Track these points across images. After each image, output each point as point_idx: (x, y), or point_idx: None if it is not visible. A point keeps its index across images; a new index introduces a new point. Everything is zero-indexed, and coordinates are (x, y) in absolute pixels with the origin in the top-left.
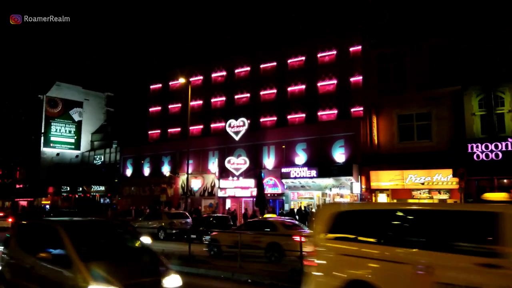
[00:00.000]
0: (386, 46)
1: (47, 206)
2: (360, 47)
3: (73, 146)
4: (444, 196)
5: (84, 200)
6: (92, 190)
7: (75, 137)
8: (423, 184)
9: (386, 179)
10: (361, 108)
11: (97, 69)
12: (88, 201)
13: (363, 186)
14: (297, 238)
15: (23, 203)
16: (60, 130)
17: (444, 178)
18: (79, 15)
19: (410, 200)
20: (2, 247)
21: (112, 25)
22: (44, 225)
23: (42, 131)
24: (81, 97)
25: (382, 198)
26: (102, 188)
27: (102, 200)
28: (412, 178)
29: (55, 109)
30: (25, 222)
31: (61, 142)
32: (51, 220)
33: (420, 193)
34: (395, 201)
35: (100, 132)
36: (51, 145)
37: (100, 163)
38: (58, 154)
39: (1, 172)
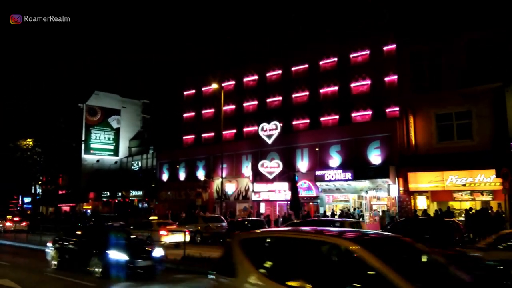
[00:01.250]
0: (420, 43)
1: (89, 211)
2: (394, 46)
3: (112, 153)
4: (487, 198)
5: (123, 205)
6: (131, 195)
7: (114, 144)
8: (464, 185)
9: (425, 181)
10: (397, 108)
11: (133, 78)
12: (127, 205)
13: (401, 188)
14: (161, 232)
15: (66, 208)
16: (99, 137)
17: (487, 178)
18: (82, 16)
19: (452, 203)
20: (213, 276)
21: (148, 30)
22: (314, 241)
23: (83, 138)
24: (118, 105)
25: (422, 200)
26: (140, 193)
27: (140, 205)
28: (453, 179)
29: (94, 117)
30: (262, 236)
31: (100, 149)
32: (323, 233)
33: (462, 195)
34: (435, 203)
35: (137, 139)
36: (91, 152)
37: (137, 168)
38: (98, 161)
39: (44, 179)
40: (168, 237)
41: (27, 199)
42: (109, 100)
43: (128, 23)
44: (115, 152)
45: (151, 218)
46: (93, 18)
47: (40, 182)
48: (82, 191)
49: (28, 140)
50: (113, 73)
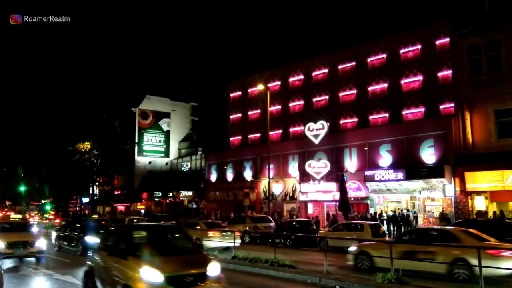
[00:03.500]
0: (477, 36)
1: (142, 211)
2: (448, 39)
3: (163, 154)
4: None
5: (174, 205)
6: (181, 195)
7: (165, 146)
8: None
9: (483, 181)
10: (452, 105)
11: (182, 81)
12: (177, 205)
13: (458, 189)
14: None
15: (121, 208)
16: (151, 139)
17: None
18: (83, 15)
19: None
20: None
21: (197, 34)
22: None
23: (136, 141)
24: (168, 108)
25: (480, 201)
26: (190, 193)
27: (190, 205)
28: None
29: (146, 120)
30: None
31: (152, 151)
32: None
33: None
34: (494, 204)
35: (186, 141)
36: (144, 154)
37: (187, 169)
38: (150, 162)
39: (101, 180)
40: None
41: (85, 199)
42: (160, 103)
43: (178, 26)
44: (166, 153)
45: (93, 216)
46: (112, 19)
47: (97, 183)
48: (136, 192)
49: (86, 143)
50: (163, 78)
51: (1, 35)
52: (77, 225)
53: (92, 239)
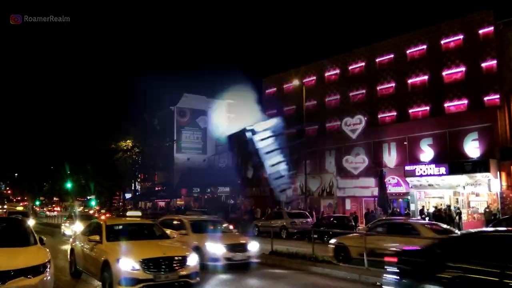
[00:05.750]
0: None
1: (182, 207)
2: (492, 28)
3: (200, 151)
4: None
5: (212, 201)
6: (219, 191)
7: (202, 143)
8: None
9: None
10: (497, 96)
11: (218, 79)
12: (216, 201)
13: (504, 184)
14: None
15: (161, 203)
16: (189, 137)
17: None
18: (84, 16)
19: None
20: None
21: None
22: None
23: (175, 138)
24: (205, 105)
25: None
26: (227, 189)
27: (227, 201)
28: None
29: (184, 118)
30: None
31: (190, 148)
32: None
33: None
34: None
35: (223, 137)
36: (182, 151)
37: (224, 165)
38: (188, 159)
39: (142, 177)
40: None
41: (128, 195)
42: (197, 101)
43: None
44: (204, 150)
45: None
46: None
47: (138, 180)
48: (175, 188)
49: (128, 141)
50: (200, 76)
51: (1, 35)
52: None
53: None
